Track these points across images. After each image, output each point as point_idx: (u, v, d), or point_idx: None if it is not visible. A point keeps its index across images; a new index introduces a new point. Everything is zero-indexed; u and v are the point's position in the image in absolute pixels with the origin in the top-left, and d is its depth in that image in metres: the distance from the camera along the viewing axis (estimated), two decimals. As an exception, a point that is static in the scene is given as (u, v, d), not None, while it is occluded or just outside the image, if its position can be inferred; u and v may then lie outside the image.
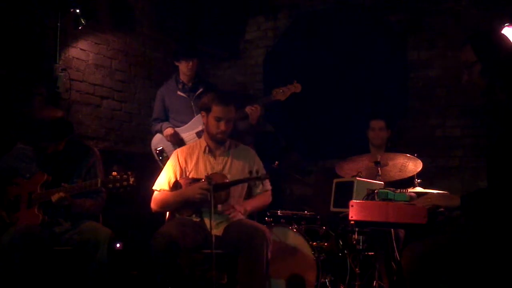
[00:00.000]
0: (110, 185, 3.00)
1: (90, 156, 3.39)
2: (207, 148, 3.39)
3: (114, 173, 3.02)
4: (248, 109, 4.18)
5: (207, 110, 3.32)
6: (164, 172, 3.40)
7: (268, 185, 3.46)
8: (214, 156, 3.38)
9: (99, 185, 3.06)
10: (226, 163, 3.36)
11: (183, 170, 3.36)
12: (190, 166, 3.36)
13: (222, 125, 3.28)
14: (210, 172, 3.28)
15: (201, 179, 3.21)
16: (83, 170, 3.32)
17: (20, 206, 3.17)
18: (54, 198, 3.06)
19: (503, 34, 2.36)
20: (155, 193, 3.35)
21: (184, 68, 4.39)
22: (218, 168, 3.33)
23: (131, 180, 2.98)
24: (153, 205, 3.32)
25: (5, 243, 2.90)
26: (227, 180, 3.20)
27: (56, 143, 3.25)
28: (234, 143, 3.48)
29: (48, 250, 3.07)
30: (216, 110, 3.27)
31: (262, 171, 3.37)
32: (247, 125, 4.31)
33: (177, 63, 4.44)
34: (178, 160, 3.38)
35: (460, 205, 2.14)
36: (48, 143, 3.22)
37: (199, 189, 3.10)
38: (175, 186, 3.31)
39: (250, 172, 3.22)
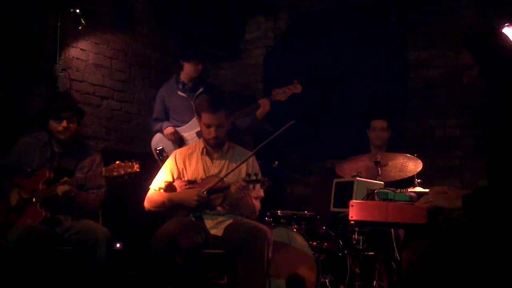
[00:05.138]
0: (115, 173, 2.98)
1: (94, 154, 3.40)
2: (204, 150, 3.38)
3: (118, 162, 3.01)
4: (261, 101, 4.17)
5: (198, 115, 3.34)
6: (161, 172, 3.39)
7: (261, 192, 3.37)
8: (212, 159, 3.37)
9: (104, 173, 3.03)
10: (223, 166, 3.34)
11: (181, 171, 3.35)
12: (188, 167, 3.35)
13: (212, 132, 3.26)
14: (207, 175, 3.27)
15: (196, 181, 3.20)
16: (86, 167, 3.32)
17: (25, 206, 3.16)
18: (60, 191, 3.05)
19: (502, 34, 2.36)
20: (151, 191, 3.34)
21: (192, 69, 4.36)
22: (214, 171, 3.32)
23: (136, 166, 2.96)
24: (146, 203, 3.32)
25: (12, 242, 2.88)
26: (224, 183, 3.16)
27: (72, 122, 3.24)
28: (233, 145, 3.46)
29: (52, 250, 3.06)
30: (205, 117, 3.27)
31: (259, 175, 3.29)
32: (249, 122, 4.29)
33: (184, 63, 4.40)
34: (176, 161, 3.38)
35: (462, 206, 2.13)
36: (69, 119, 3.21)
37: (196, 196, 3.09)
38: (169, 188, 3.30)
39: (249, 175, 3.20)
